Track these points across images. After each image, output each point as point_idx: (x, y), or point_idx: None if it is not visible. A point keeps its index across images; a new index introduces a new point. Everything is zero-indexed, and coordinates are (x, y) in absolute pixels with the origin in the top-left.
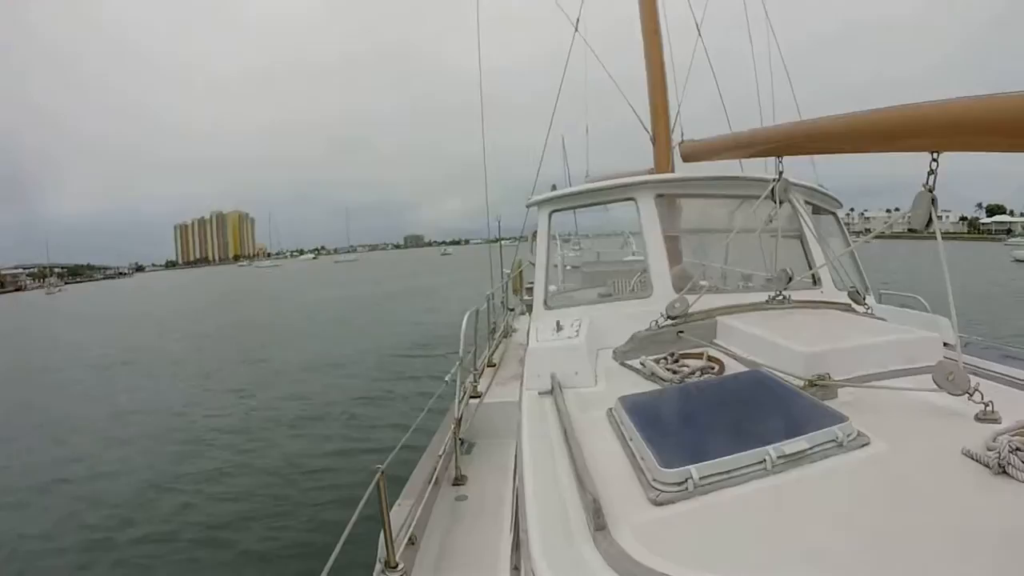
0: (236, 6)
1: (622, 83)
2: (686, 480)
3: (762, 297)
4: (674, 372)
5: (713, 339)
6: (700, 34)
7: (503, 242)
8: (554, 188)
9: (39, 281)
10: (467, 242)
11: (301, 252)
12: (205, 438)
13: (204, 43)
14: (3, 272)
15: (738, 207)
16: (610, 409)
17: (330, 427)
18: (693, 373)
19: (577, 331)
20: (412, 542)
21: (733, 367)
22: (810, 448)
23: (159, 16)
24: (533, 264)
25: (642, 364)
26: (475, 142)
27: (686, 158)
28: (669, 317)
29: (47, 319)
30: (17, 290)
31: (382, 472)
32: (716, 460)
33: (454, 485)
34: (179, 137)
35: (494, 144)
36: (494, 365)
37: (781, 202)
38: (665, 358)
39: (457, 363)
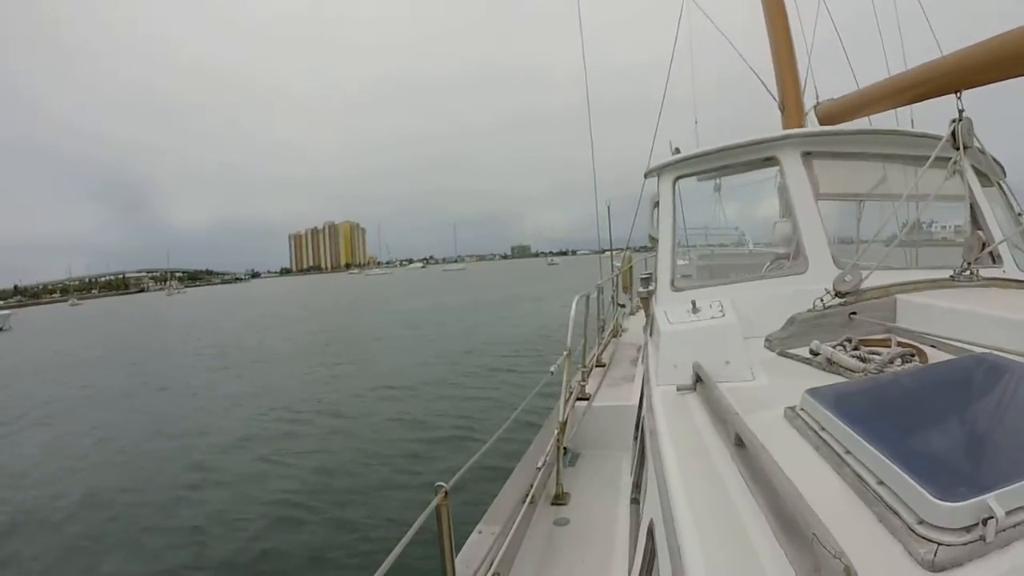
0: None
1: (733, 57)
2: (985, 521)
3: (938, 274)
4: (862, 360)
5: (893, 321)
6: None
7: (612, 251)
8: (677, 151)
9: (160, 284)
10: (574, 252)
11: (410, 261)
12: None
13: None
14: (128, 275)
15: (885, 173)
16: (792, 408)
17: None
18: (892, 361)
19: (722, 310)
20: None
21: (934, 356)
22: None
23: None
24: (650, 245)
25: (813, 352)
26: (581, 152)
27: (825, 121)
28: (838, 294)
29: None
30: (140, 291)
31: (445, 491)
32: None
33: (554, 504)
34: (294, 157)
35: (600, 148)
36: (603, 365)
37: (966, 148)
38: (842, 344)
39: (564, 354)
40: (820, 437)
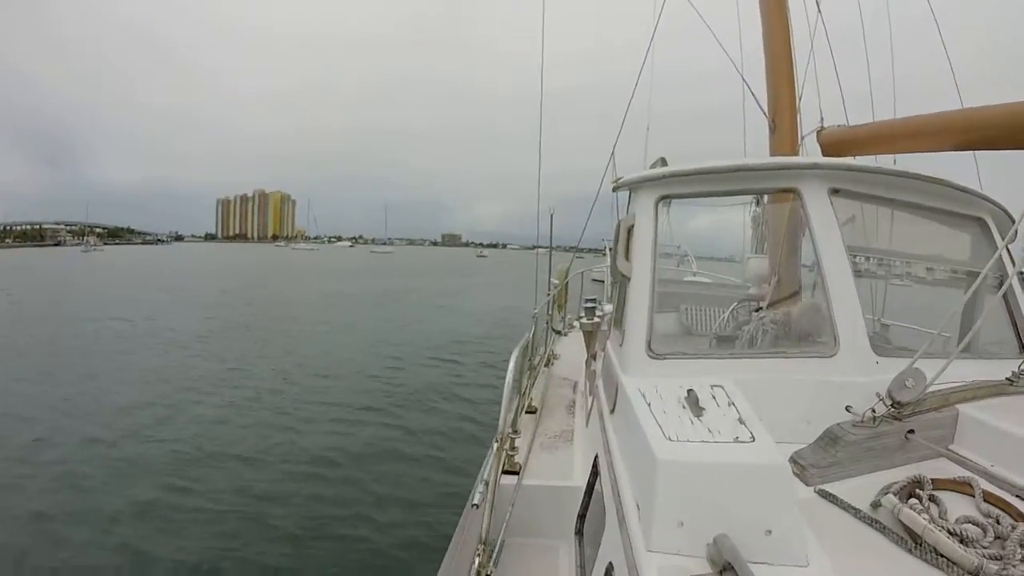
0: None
1: (718, 61)
2: None
3: (991, 367)
4: (962, 540)
5: (951, 441)
6: (820, 9)
7: (542, 250)
8: (663, 162)
9: (78, 239)
10: (504, 246)
11: (339, 239)
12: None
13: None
14: (46, 227)
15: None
16: None
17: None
18: (1012, 554)
19: (741, 418)
20: None
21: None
22: None
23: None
24: (613, 279)
25: (876, 506)
26: (522, 146)
27: (831, 152)
28: (894, 403)
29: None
30: (56, 244)
31: None
32: None
33: None
34: (226, 116)
35: (547, 148)
36: (533, 411)
37: None
38: (914, 491)
39: (494, 444)
40: None
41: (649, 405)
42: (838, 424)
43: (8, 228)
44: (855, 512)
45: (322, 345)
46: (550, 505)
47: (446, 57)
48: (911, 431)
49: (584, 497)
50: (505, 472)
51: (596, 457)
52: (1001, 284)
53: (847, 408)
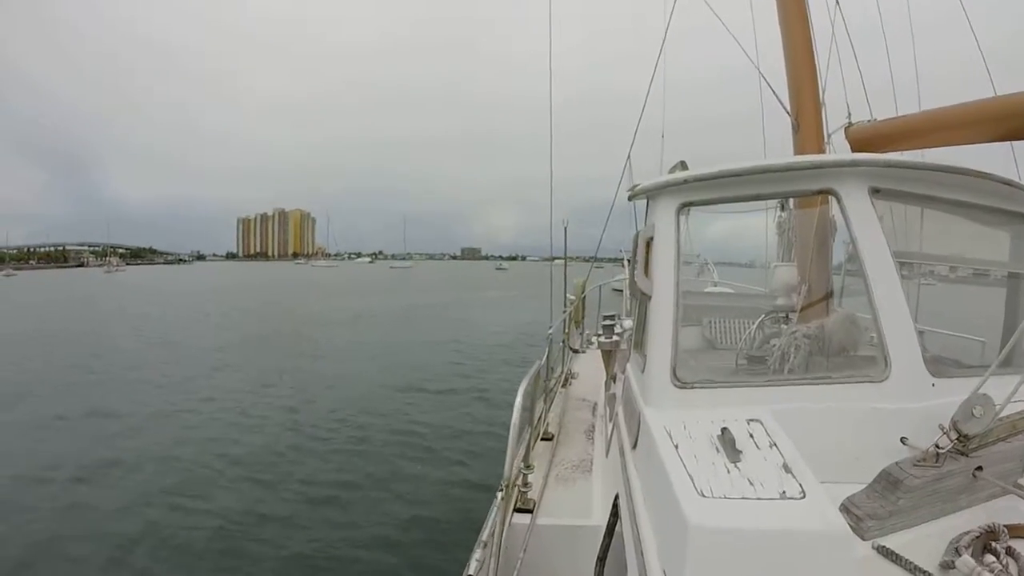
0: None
1: (738, 62)
2: None
3: None
4: None
5: (1019, 477)
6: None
7: (560, 262)
8: (683, 166)
9: (100, 259)
10: (524, 259)
11: (359, 255)
12: None
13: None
14: (69, 248)
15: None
16: None
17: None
18: None
19: (786, 464)
20: None
21: None
22: None
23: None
24: (631, 295)
25: (947, 567)
26: (536, 152)
27: (861, 149)
28: (960, 436)
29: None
30: (79, 265)
31: None
32: None
33: None
34: (247, 146)
35: (562, 154)
36: (549, 438)
37: None
38: (988, 544)
39: (499, 494)
40: None
41: (676, 447)
42: (896, 464)
43: (32, 249)
44: (923, 575)
45: (342, 363)
46: (566, 546)
47: (456, 61)
48: (979, 468)
49: (604, 538)
50: (518, 510)
51: (616, 496)
52: None
53: (902, 440)
